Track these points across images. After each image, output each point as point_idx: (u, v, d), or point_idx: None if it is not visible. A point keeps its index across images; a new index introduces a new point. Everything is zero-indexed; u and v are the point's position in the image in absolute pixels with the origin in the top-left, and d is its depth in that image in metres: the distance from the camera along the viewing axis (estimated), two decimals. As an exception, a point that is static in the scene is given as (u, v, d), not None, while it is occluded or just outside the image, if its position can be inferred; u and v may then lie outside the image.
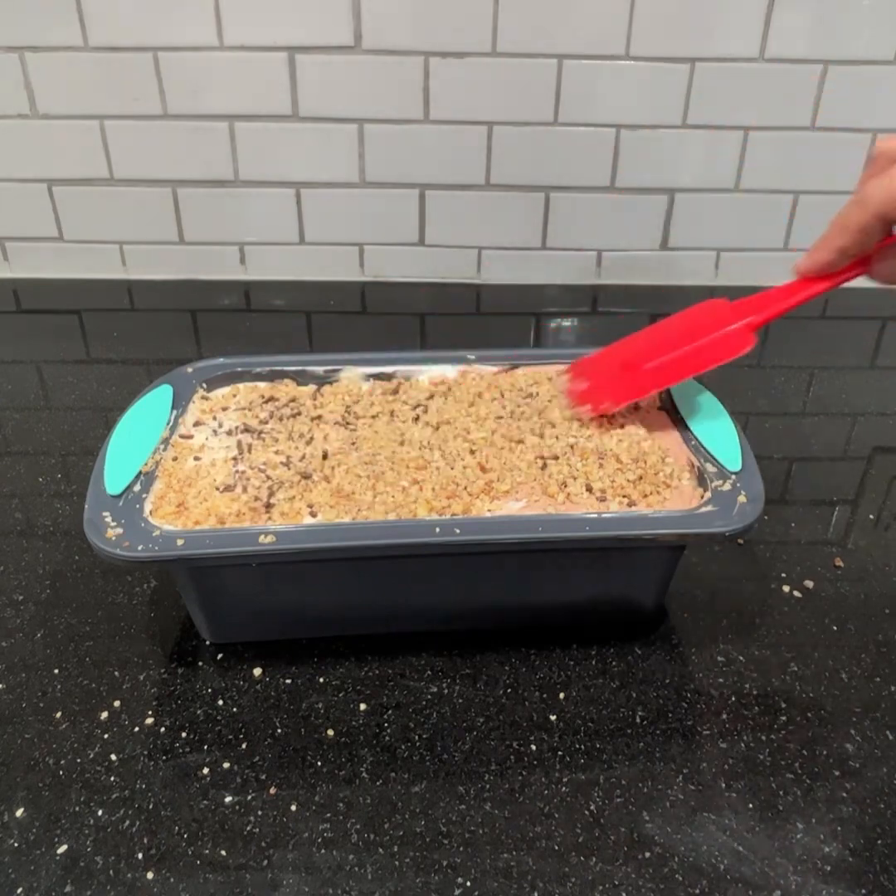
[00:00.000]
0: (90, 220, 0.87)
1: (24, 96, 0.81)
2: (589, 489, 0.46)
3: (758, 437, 0.67)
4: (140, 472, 0.46)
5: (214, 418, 0.52)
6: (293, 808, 0.40)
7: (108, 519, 0.43)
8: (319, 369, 0.56)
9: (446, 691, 0.46)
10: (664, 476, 0.47)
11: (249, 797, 0.40)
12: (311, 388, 0.55)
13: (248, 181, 0.86)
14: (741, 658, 0.48)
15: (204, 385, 0.55)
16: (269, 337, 0.82)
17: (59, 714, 0.44)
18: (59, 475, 0.62)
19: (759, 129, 0.83)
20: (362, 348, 0.59)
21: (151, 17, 0.77)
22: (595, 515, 0.44)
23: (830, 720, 0.44)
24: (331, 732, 0.43)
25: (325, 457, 0.48)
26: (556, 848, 0.38)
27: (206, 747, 0.43)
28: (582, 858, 0.38)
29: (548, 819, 0.40)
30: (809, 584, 0.52)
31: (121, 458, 0.47)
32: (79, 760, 0.42)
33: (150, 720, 0.44)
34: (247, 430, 0.51)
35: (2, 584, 0.52)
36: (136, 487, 0.45)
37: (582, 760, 0.42)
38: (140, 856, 0.38)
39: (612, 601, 0.48)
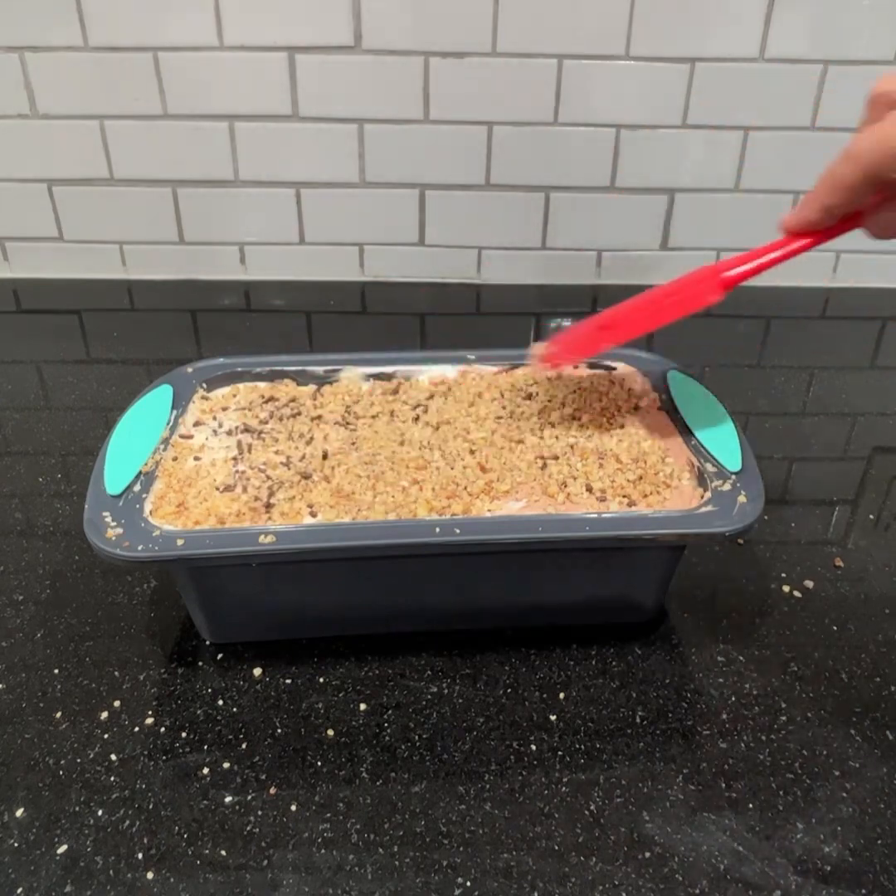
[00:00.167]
0: (90, 220, 0.87)
1: (24, 96, 0.81)
2: (589, 489, 0.46)
3: (758, 437, 0.67)
4: (140, 472, 0.46)
5: (214, 418, 0.52)
6: (293, 808, 0.40)
7: (108, 519, 0.43)
8: (319, 369, 0.56)
9: (446, 691, 0.46)
10: (664, 476, 0.47)
11: (249, 797, 0.40)
12: (311, 388, 0.55)
13: (248, 181, 0.86)
14: (741, 658, 0.48)
15: (204, 385, 0.55)
16: (269, 337, 0.82)
17: (59, 714, 0.44)
18: (59, 475, 0.62)
19: (759, 129, 0.83)
20: (362, 348, 0.59)
21: (151, 17, 0.77)
22: (595, 515, 0.44)
23: (830, 720, 0.44)
24: (331, 732, 0.43)
25: (325, 457, 0.48)
26: (556, 848, 0.38)
27: (206, 747, 0.43)
28: (582, 858, 0.38)
29: (548, 819, 0.40)
30: (809, 584, 0.52)
31: (121, 458, 0.47)
32: (79, 760, 0.42)
33: (150, 720, 0.44)
34: (247, 430, 0.51)
35: (2, 584, 0.52)
36: (136, 487, 0.45)
37: (582, 760, 0.42)
38: (140, 856, 0.38)
39: (612, 601, 0.48)
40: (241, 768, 0.42)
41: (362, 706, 0.45)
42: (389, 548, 0.42)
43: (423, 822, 0.39)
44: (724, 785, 0.41)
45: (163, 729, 0.44)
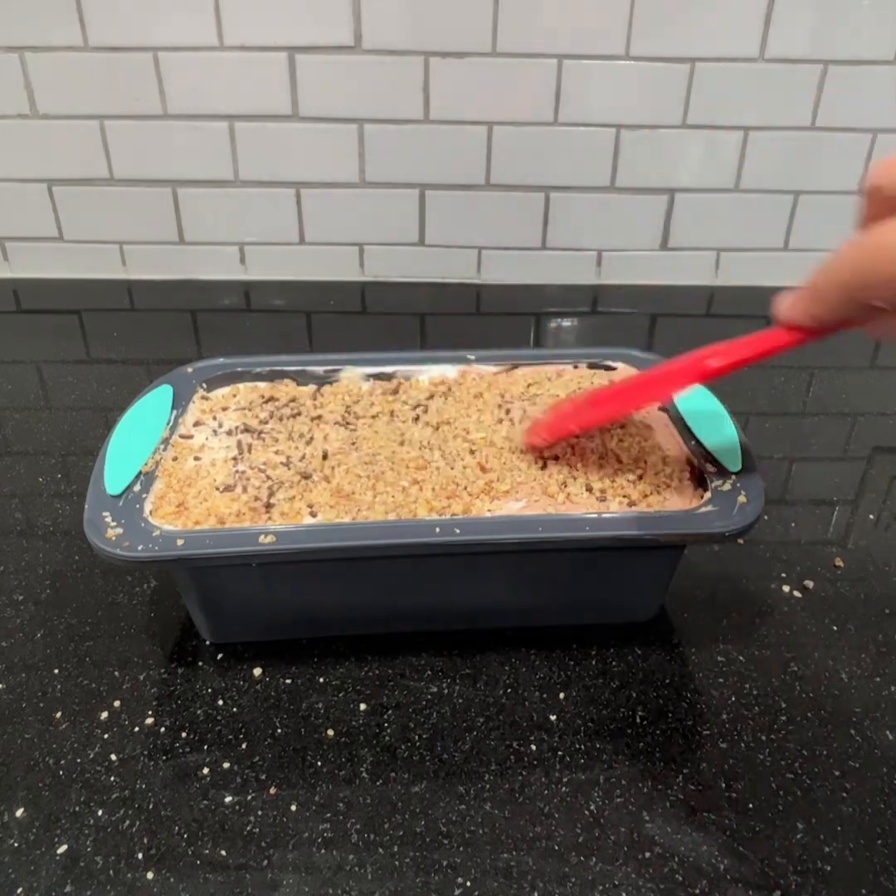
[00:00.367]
0: (90, 220, 0.87)
1: (24, 96, 0.81)
2: (589, 489, 0.46)
3: (758, 437, 0.67)
4: (140, 472, 0.46)
5: (214, 418, 0.52)
6: (293, 808, 0.40)
7: (108, 519, 0.43)
8: (319, 369, 0.56)
9: (446, 691, 0.46)
10: (664, 476, 0.47)
11: (249, 797, 0.40)
12: (311, 388, 0.55)
13: (248, 181, 0.86)
14: (741, 658, 0.48)
15: (204, 385, 0.55)
16: (269, 337, 0.82)
17: (59, 714, 0.44)
18: (59, 475, 0.62)
19: (759, 129, 0.83)
20: (362, 348, 0.59)
21: (151, 17, 0.77)
22: (595, 515, 0.44)
23: (830, 720, 0.44)
24: (331, 732, 0.43)
25: (325, 457, 0.48)
26: (556, 848, 0.38)
27: (206, 747, 0.43)
28: (582, 858, 0.38)
29: (548, 819, 0.40)
30: (809, 584, 0.52)
31: (121, 458, 0.47)
32: (79, 760, 0.42)
33: (150, 720, 0.44)
34: (247, 430, 0.51)
35: (2, 584, 0.52)
36: (136, 487, 0.45)
37: (582, 760, 0.42)
38: (140, 856, 0.38)
39: (612, 601, 0.48)
40: (241, 768, 0.42)
41: (362, 706, 0.45)
42: (389, 548, 0.42)
43: (423, 822, 0.39)
44: (724, 785, 0.41)
45: (163, 729, 0.44)
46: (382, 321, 0.87)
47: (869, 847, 0.38)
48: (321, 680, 0.46)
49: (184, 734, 0.43)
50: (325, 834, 0.39)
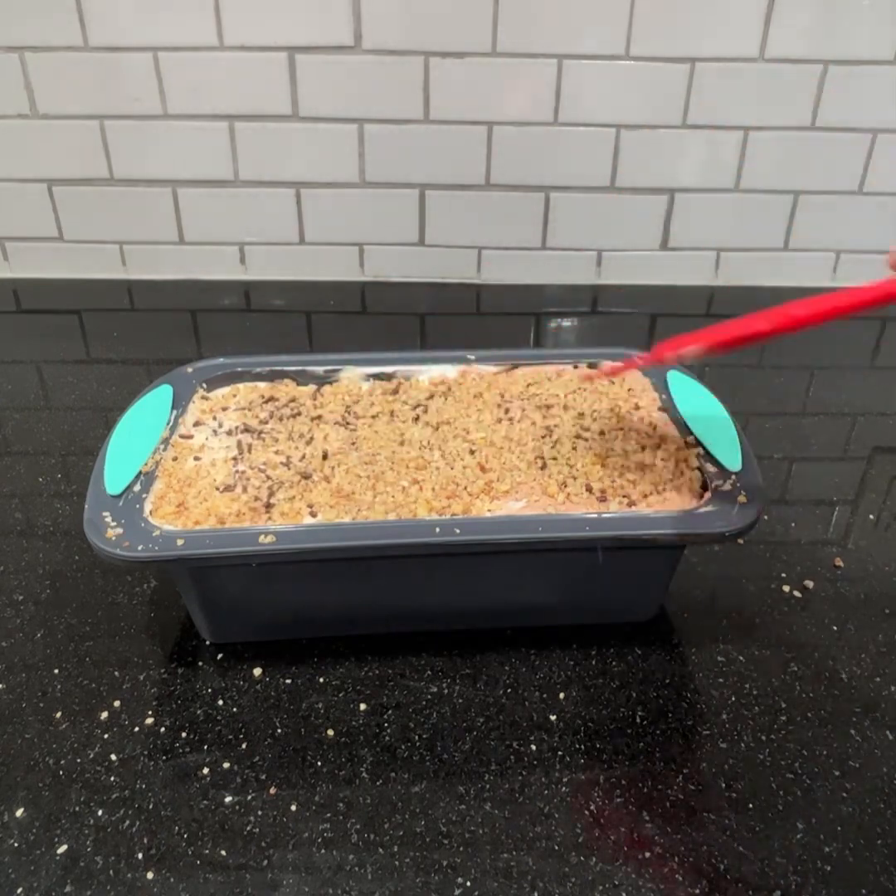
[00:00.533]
0: (90, 220, 0.87)
1: (24, 96, 0.81)
2: (589, 489, 0.46)
3: (758, 437, 0.67)
4: (140, 472, 0.46)
5: (214, 418, 0.52)
6: (293, 808, 0.40)
7: (108, 519, 0.43)
8: (319, 369, 0.56)
9: (446, 691, 0.46)
10: (664, 476, 0.47)
11: (249, 797, 0.40)
12: (311, 388, 0.55)
13: (248, 181, 0.86)
14: (741, 658, 0.48)
15: (204, 385, 0.55)
16: (269, 337, 0.82)
17: (59, 714, 0.44)
18: (59, 475, 0.62)
19: (759, 129, 0.83)
20: (362, 348, 0.59)
21: (151, 17, 0.77)
22: (595, 515, 0.44)
23: (830, 720, 0.44)
24: (331, 732, 0.43)
25: (325, 457, 0.48)
26: (556, 848, 0.38)
27: (206, 747, 0.43)
28: (582, 858, 0.38)
29: (548, 819, 0.40)
30: (809, 584, 0.52)
31: (121, 458, 0.47)
32: (79, 760, 0.42)
33: (150, 720, 0.44)
34: (247, 430, 0.51)
35: (2, 584, 0.52)
36: (136, 487, 0.45)
37: (582, 760, 0.42)
38: (140, 856, 0.38)
39: (612, 601, 0.48)
40: (241, 768, 0.42)
41: (362, 706, 0.45)
42: (389, 548, 0.42)
43: (423, 822, 0.39)
44: (724, 785, 0.41)
45: (163, 729, 0.44)
46: (382, 321, 0.87)
47: (869, 847, 0.38)
48: (321, 680, 0.46)
49: (184, 734, 0.43)
50: (325, 834, 0.39)
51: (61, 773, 0.41)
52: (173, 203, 0.87)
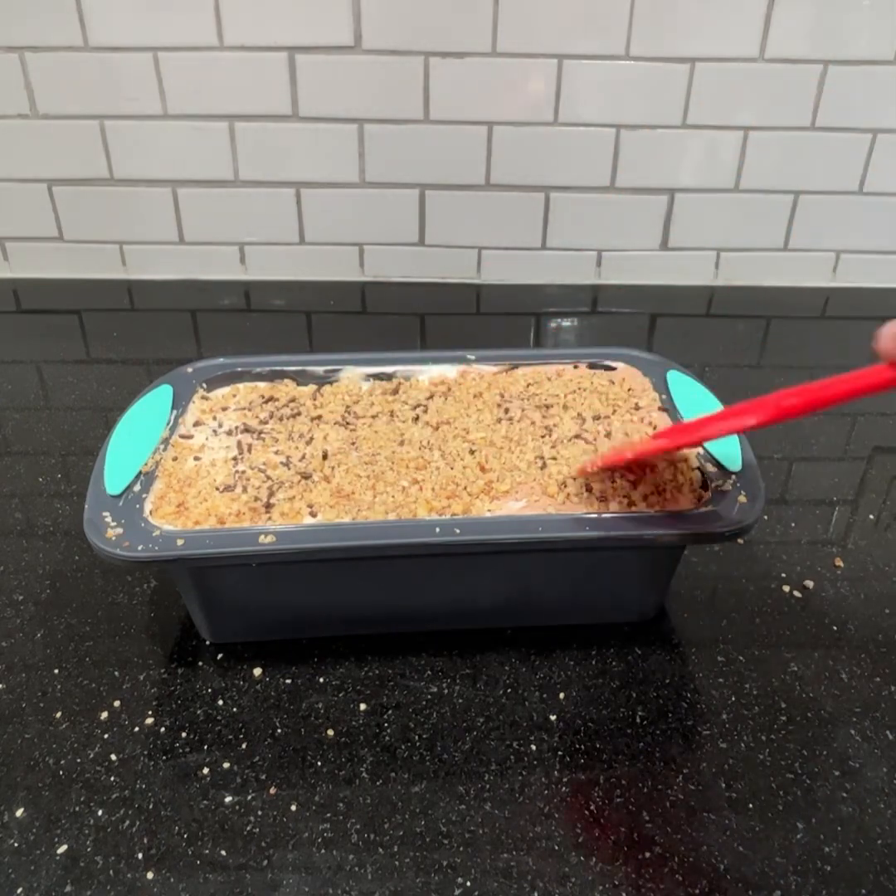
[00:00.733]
0: (90, 220, 0.87)
1: (24, 96, 0.81)
2: (589, 489, 0.46)
3: (758, 437, 0.66)
4: (140, 472, 0.46)
5: (214, 418, 0.52)
6: (293, 808, 0.40)
7: (108, 519, 0.43)
8: (319, 369, 0.56)
9: (446, 691, 0.46)
10: (664, 476, 0.47)
11: (249, 797, 0.40)
12: (311, 388, 0.55)
13: (248, 181, 0.86)
14: (741, 658, 0.48)
15: (204, 385, 0.55)
16: (269, 337, 0.82)
17: (59, 714, 0.44)
18: (59, 475, 0.62)
19: (759, 129, 0.83)
20: (362, 348, 0.59)
21: (151, 17, 0.77)
22: (595, 515, 0.44)
23: (830, 720, 0.44)
24: (331, 732, 0.43)
25: (325, 457, 0.48)
26: (556, 848, 0.38)
27: (206, 747, 0.43)
28: (582, 858, 0.38)
29: (548, 819, 0.40)
30: (809, 584, 0.52)
31: (121, 458, 0.47)
32: (79, 760, 0.42)
33: (150, 720, 0.44)
34: (247, 430, 0.51)
35: (2, 584, 0.52)
36: (136, 487, 0.45)
37: (582, 760, 0.42)
38: (140, 856, 0.38)
39: (612, 601, 0.48)
40: (241, 768, 0.42)
41: (362, 706, 0.45)
42: (389, 548, 0.42)
43: (423, 822, 0.39)
44: (724, 785, 0.41)
45: (163, 729, 0.44)
46: (382, 321, 0.87)
47: (869, 847, 0.38)
48: (321, 680, 0.46)
49: (184, 734, 0.43)
50: (325, 834, 0.39)
51: (61, 773, 0.41)
52: (173, 203, 0.87)
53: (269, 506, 0.45)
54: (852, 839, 0.39)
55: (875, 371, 0.35)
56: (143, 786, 0.41)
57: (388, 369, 0.56)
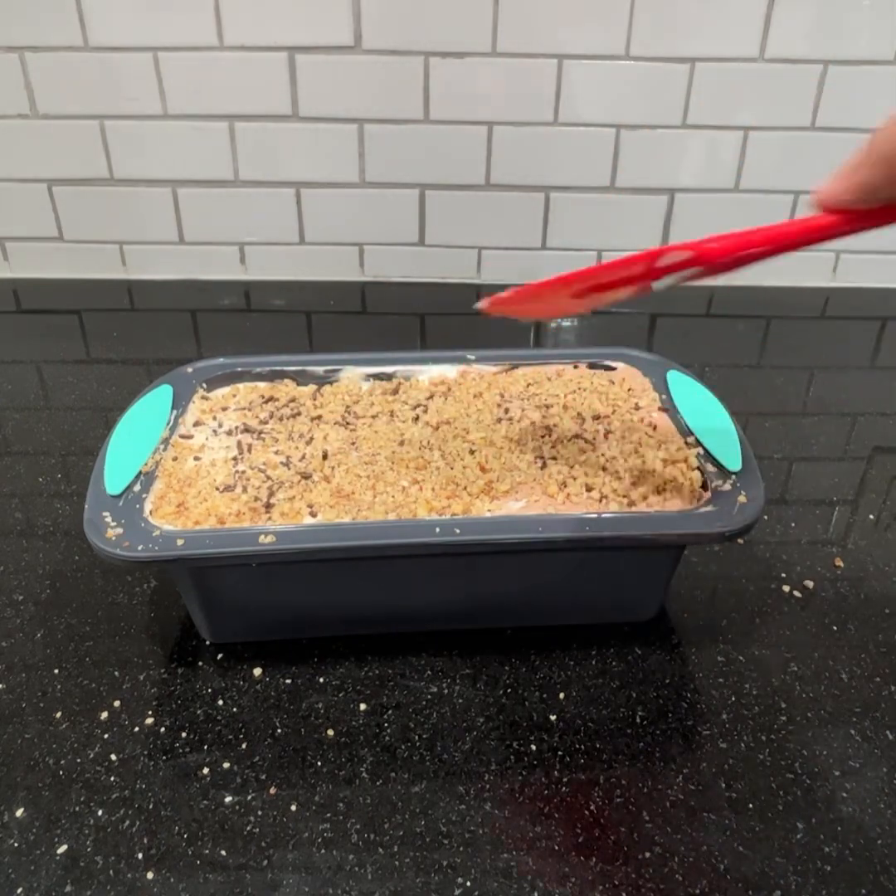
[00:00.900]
0: (90, 220, 0.87)
1: (24, 96, 0.81)
2: (589, 489, 0.46)
3: (758, 437, 0.67)
4: (140, 472, 0.46)
5: (214, 418, 0.52)
6: (293, 808, 0.40)
7: (108, 519, 0.43)
8: (319, 369, 0.56)
9: (446, 691, 0.46)
10: (664, 476, 0.47)
11: (249, 797, 0.40)
12: (311, 388, 0.55)
13: (248, 181, 0.86)
14: (741, 658, 0.48)
15: (204, 385, 0.55)
16: (269, 337, 0.82)
17: (59, 714, 0.44)
18: (59, 475, 0.62)
19: (759, 129, 0.83)
20: (362, 348, 0.59)
21: (151, 16, 0.77)
22: (595, 515, 0.44)
23: (830, 720, 0.44)
24: (331, 732, 0.43)
25: (325, 457, 0.48)
26: (556, 848, 0.38)
27: (206, 747, 0.43)
28: (582, 858, 0.38)
29: (548, 819, 0.40)
30: (809, 584, 0.52)
31: (121, 458, 0.47)
32: (79, 760, 0.42)
33: (150, 720, 0.44)
34: (247, 430, 0.51)
35: (2, 584, 0.52)
36: (136, 487, 0.45)
37: (582, 760, 0.42)
38: (140, 856, 0.38)
39: (612, 601, 0.48)
40: (241, 768, 0.42)
41: (362, 706, 0.45)
42: (389, 548, 0.42)
43: (423, 822, 0.39)
44: (724, 785, 0.41)
45: (163, 729, 0.44)
46: (382, 321, 0.87)
47: (869, 847, 0.38)
48: (321, 680, 0.46)
49: (184, 734, 0.43)
50: (325, 834, 0.39)
51: (61, 773, 0.41)
52: (173, 203, 0.87)
53: (269, 506, 0.45)
54: (852, 839, 0.39)
55: (808, 219, 0.34)
56: (143, 786, 0.41)
57: (388, 369, 0.56)
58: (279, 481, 0.46)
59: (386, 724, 0.44)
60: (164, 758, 0.42)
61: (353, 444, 0.50)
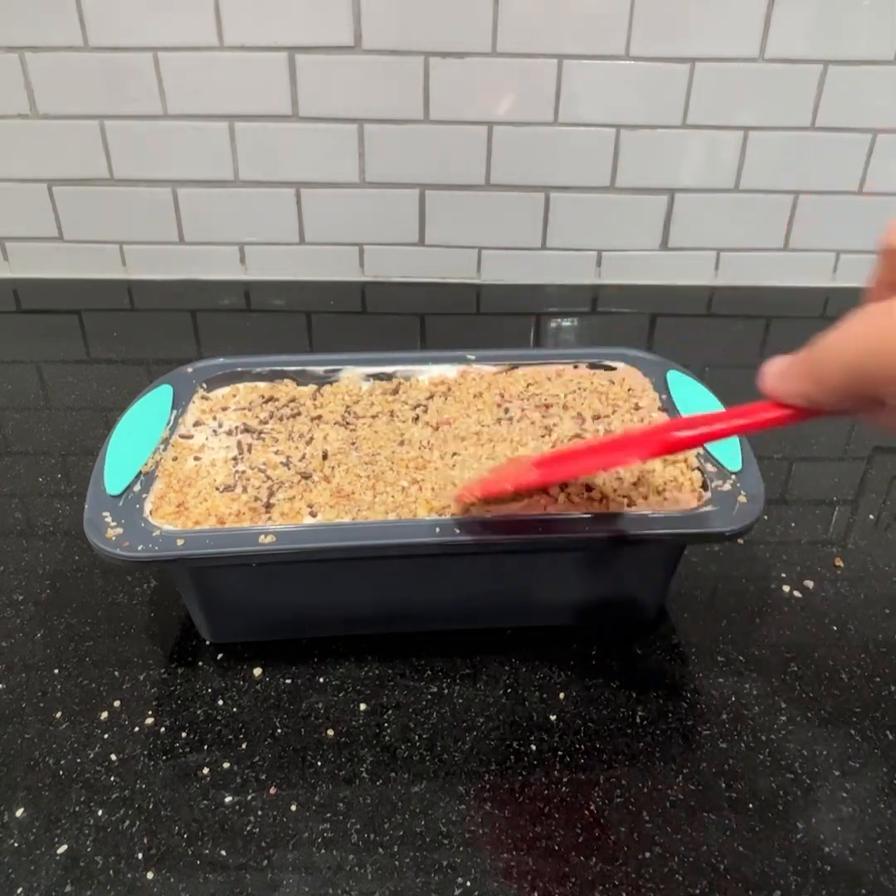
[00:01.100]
0: (90, 220, 0.87)
1: (24, 96, 0.81)
2: (588, 489, 0.46)
3: (758, 437, 0.66)
4: (140, 472, 0.46)
5: (214, 418, 0.52)
6: (293, 808, 0.40)
7: (108, 519, 0.43)
8: (319, 369, 0.56)
9: (446, 691, 0.46)
10: (664, 476, 0.47)
11: (249, 797, 0.40)
12: (311, 388, 0.55)
13: (248, 181, 0.86)
14: (741, 658, 0.48)
15: (204, 385, 0.55)
16: (269, 337, 0.82)
17: (59, 714, 0.44)
18: (59, 475, 0.62)
19: (759, 129, 0.83)
20: (362, 348, 0.59)
21: (151, 17, 0.77)
22: (595, 515, 0.44)
23: (830, 720, 0.44)
24: (331, 732, 0.43)
25: (325, 457, 0.48)
26: (556, 848, 0.38)
27: (206, 747, 0.43)
28: (582, 858, 0.38)
29: (548, 819, 0.40)
30: (809, 584, 0.52)
31: (121, 458, 0.47)
32: (79, 760, 0.42)
33: (150, 720, 0.44)
34: (247, 430, 0.51)
35: (2, 584, 0.52)
36: (136, 487, 0.45)
37: (582, 760, 0.42)
38: (140, 856, 0.38)
39: (612, 601, 0.48)
40: (241, 768, 0.42)
41: (362, 706, 0.45)
42: (389, 548, 0.42)
43: (423, 822, 0.39)
44: (724, 785, 0.41)
45: (163, 729, 0.44)
46: (382, 321, 0.87)
47: (869, 847, 0.38)
48: (321, 680, 0.46)
49: (184, 734, 0.43)
50: (325, 834, 0.39)
51: (61, 773, 0.41)
52: (173, 203, 0.87)
53: (269, 506, 0.45)
54: (852, 839, 0.39)
55: (763, 407, 0.34)
56: (143, 786, 0.41)
57: (388, 369, 0.56)
58: (279, 481, 0.46)
59: (386, 724, 0.44)
60: (164, 758, 0.42)
61: (353, 444, 0.50)
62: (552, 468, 0.42)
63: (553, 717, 0.44)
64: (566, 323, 0.86)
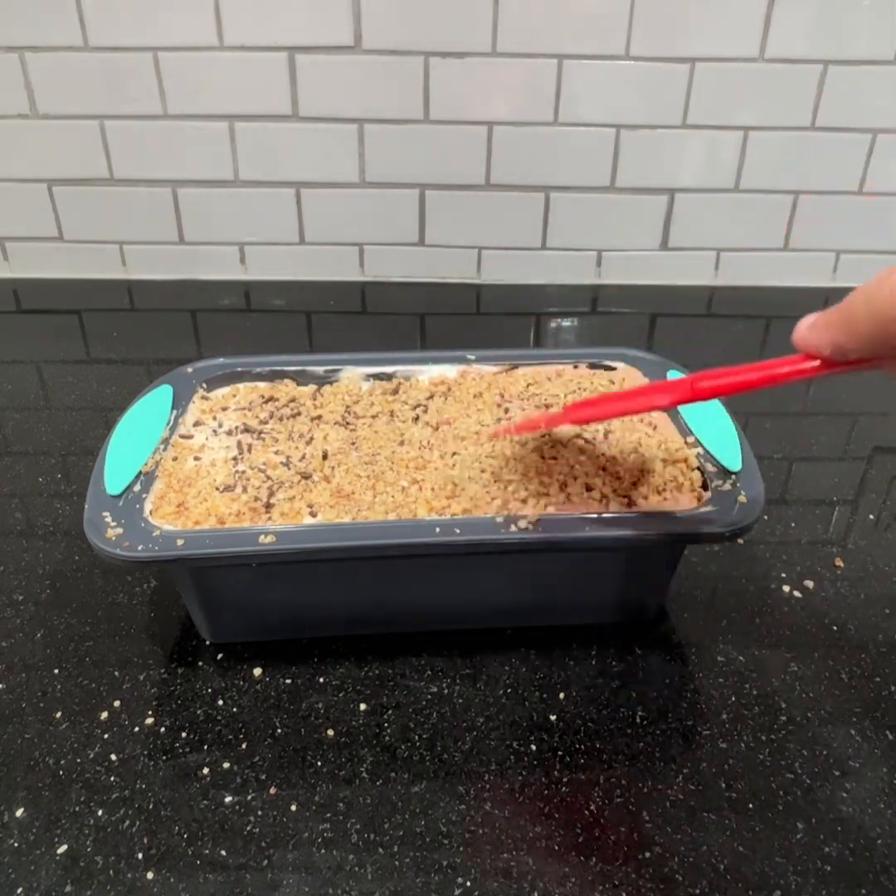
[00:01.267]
0: (90, 220, 0.87)
1: (24, 96, 0.81)
2: (589, 489, 0.46)
3: (758, 437, 0.67)
4: (140, 472, 0.46)
5: (214, 418, 0.52)
6: (293, 808, 0.40)
7: (108, 519, 0.43)
8: (319, 369, 0.56)
9: (446, 691, 0.46)
10: (664, 476, 0.47)
11: (249, 797, 0.40)
12: (311, 388, 0.55)
13: (248, 181, 0.86)
14: (741, 658, 0.48)
15: (204, 385, 0.55)
16: (269, 337, 0.82)
17: (59, 714, 0.44)
18: (59, 475, 0.62)
19: (759, 129, 0.83)
20: (362, 348, 0.59)
21: (151, 17, 0.77)
22: (595, 515, 0.44)
23: (830, 720, 0.44)
24: (331, 732, 0.43)
25: (324, 457, 0.48)
26: (556, 848, 0.38)
27: (206, 747, 0.43)
28: (582, 858, 0.38)
29: (548, 819, 0.40)
30: (809, 584, 0.52)
31: (121, 458, 0.47)
32: (79, 760, 0.42)
33: (150, 720, 0.44)
34: (247, 430, 0.51)
35: (2, 584, 0.52)
36: (136, 487, 0.45)
37: (582, 760, 0.42)
38: (140, 856, 0.38)
39: (612, 601, 0.48)
40: (241, 768, 0.42)
41: (362, 706, 0.45)
42: (389, 548, 0.42)
43: (423, 822, 0.39)
44: (724, 785, 0.41)
45: (163, 729, 0.44)
46: (382, 321, 0.87)
47: (869, 847, 0.38)
48: (321, 680, 0.46)
49: (184, 734, 0.43)
50: (325, 834, 0.39)
51: (61, 773, 0.41)
52: (173, 203, 0.87)
53: (269, 506, 0.45)
54: (852, 839, 0.39)
55: (793, 360, 0.35)
56: (143, 786, 0.41)
57: (388, 369, 0.56)
58: (279, 481, 0.46)
59: (386, 724, 0.44)
60: (164, 758, 0.42)
61: (353, 444, 0.50)
62: (582, 411, 0.44)
63: (553, 717, 0.44)
64: (566, 323, 0.86)
